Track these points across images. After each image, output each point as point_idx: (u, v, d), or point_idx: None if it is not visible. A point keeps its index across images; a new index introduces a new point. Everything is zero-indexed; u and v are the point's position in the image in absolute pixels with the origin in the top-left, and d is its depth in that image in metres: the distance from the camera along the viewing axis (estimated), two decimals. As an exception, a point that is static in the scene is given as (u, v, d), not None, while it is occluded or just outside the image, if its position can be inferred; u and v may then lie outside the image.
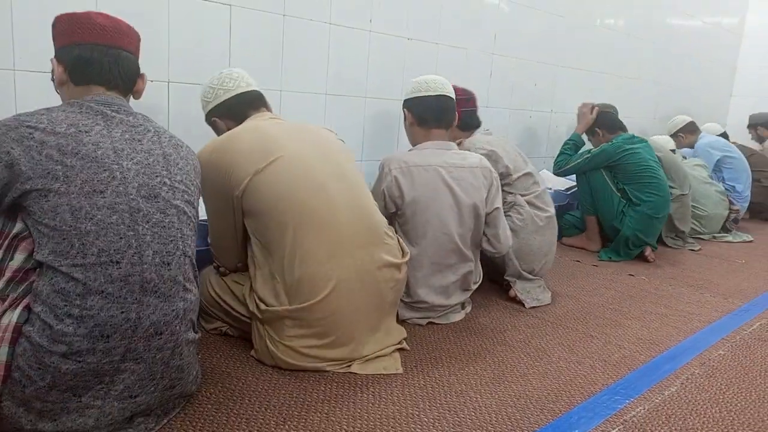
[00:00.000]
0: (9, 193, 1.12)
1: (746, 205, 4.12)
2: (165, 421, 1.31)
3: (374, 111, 2.72)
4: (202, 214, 1.93)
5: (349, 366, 1.64)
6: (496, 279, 2.41)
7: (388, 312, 1.76)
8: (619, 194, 3.04)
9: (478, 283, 2.17)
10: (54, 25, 1.31)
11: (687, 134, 4.20)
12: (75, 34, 1.27)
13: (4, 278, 1.14)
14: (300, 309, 1.55)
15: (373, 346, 1.68)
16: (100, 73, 1.28)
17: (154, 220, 1.20)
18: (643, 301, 2.45)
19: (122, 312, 1.13)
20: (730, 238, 3.83)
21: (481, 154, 2.17)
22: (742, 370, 1.82)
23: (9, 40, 1.70)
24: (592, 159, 3.04)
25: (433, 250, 1.97)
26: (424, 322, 2.01)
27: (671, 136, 4.16)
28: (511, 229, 2.22)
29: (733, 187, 4.02)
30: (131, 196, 1.18)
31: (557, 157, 3.21)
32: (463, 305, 2.14)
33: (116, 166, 1.18)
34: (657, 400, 1.59)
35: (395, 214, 1.98)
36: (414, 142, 2.15)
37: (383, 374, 1.63)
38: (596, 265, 2.97)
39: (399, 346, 1.77)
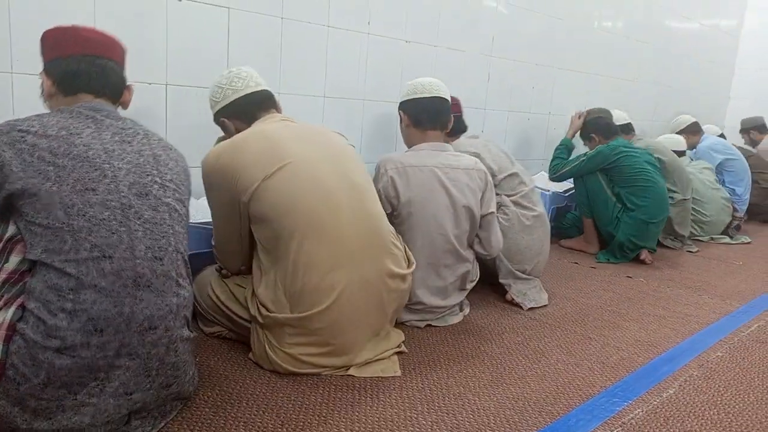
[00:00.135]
0: (0, 194, 1.14)
1: (745, 207, 4.13)
2: (162, 424, 1.31)
3: (372, 113, 2.72)
4: (206, 217, 1.95)
5: (347, 369, 1.63)
6: (493, 282, 2.41)
7: (389, 320, 1.76)
8: (614, 198, 3.04)
9: (474, 282, 2.17)
10: (42, 41, 1.36)
11: (689, 135, 4.18)
12: (62, 47, 1.33)
13: None
14: (301, 318, 1.54)
15: (372, 352, 1.68)
16: (88, 83, 1.33)
17: (145, 216, 1.22)
18: (641, 302, 2.45)
19: (115, 306, 1.14)
20: (728, 239, 3.83)
21: None
22: (740, 372, 1.82)
23: (7, 43, 1.70)
24: (589, 161, 3.04)
25: (429, 251, 1.97)
26: (422, 324, 2.01)
27: None
28: None
29: (733, 190, 4.02)
30: (122, 193, 1.20)
31: (551, 162, 3.21)
32: (461, 307, 2.15)
33: (107, 166, 1.20)
34: (655, 402, 1.59)
35: (391, 214, 1.98)
36: (410, 144, 2.16)
37: (381, 377, 1.63)
38: (594, 267, 2.97)
39: (397, 349, 1.77)
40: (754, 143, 4.81)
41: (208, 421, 1.36)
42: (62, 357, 1.09)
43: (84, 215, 1.14)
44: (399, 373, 1.66)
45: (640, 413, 1.53)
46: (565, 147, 3.21)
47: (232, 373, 1.60)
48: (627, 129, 3.55)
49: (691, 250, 3.49)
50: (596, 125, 3.20)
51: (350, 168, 1.68)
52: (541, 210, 2.41)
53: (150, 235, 1.21)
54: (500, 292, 2.37)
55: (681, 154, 3.86)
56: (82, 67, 1.32)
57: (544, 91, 3.70)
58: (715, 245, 3.72)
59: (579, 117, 3.27)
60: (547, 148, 3.80)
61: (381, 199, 1.94)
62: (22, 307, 1.12)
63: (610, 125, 3.21)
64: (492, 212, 2.09)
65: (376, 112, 2.73)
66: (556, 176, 3.16)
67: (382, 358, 1.69)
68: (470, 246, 2.11)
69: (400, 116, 2.16)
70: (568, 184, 3.37)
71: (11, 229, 1.15)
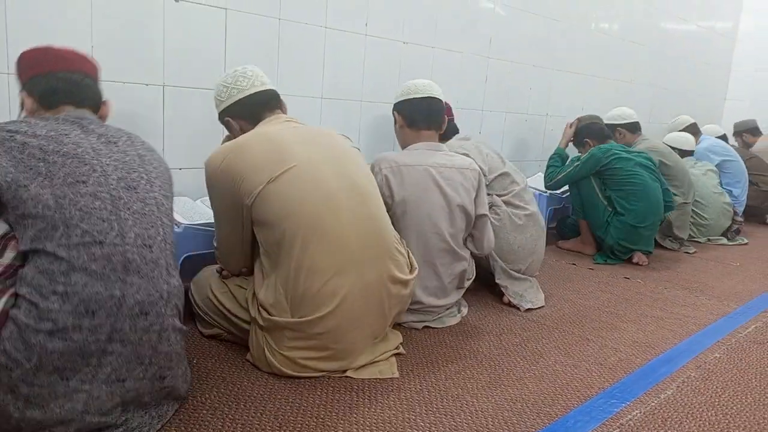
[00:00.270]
0: None
1: (742, 209, 4.14)
2: (160, 426, 1.31)
3: (370, 115, 2.72)
4: (203, 219, 1.94)
5: (345, 371, 1.63)
6: (490, 284, 2.41)
7: (389, 324, 1.75)
8: (605, 202, 3.04)
9: (471, 279, 2.17)
10: (18, 62, 1.42)
11: None
12: (39, 65, 1.39)
13: None
14: (302, 322, 1.53)
15: (370, 355, 1.68)
16: (69, 95, 1.38)
17: (134, 208, 1.25)
18: (639, 304, 2.46)
19: (106, 289, 1.15)
20: (725, 241, 3.84)
21: None
22: (737, 373, 1.82)
23: (3, 43, 1.70)
24: (583, 166, 3.03)
25: (424, 250, 1.97)
26: (420, 326, 2.01)
27: None
28: None
29: (731, 191, 4.03)
30: (112, 186, 1.24)
31: (546, 170, 3.21)
32: (459, 309, 2.14)
33: (96, 162, 1.24)
34: (653, 404, 1.59)
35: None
36: (404, 145, 2.16)
37: (379, 379, 1.63)
38: (592, 269, 2.98)
39: (395, 351, 1.76)
40: (747, 146, 4.82)
41: (206, 423, 1.35)
42: (54, 340, 1.10)
43: (75, 205, 1.17)
44: (397, 375, 1.66)
45: (638, 414, 1.53)
46: (559, 156, 3.22)
47: (230, 375, 1.59)
48: (633, 128, 3.52)
49: (688, 251, 3.50)
50: (589, 130, 3.22)
51: (353, 170, 1.67)
52: (534, 209, 2.41)
53: (139, 224, 1.24)
54: (498, 293, 2.37)
55: (689, 153, 3.85)
56: (61, 81, 1.38)
57: (542, 93, 3.70)
58: (713, 246, 3.73)
59: (570, 126, 3.31)
60: (544, 150, 3.81)
61: None
62: (15, 296, 1.14)
63: (603, 129, 3.25)
64: (485, 214, 2.10)
65: (374, 113, 2.73)
66: (551, 184, 3.15)
67: (380, 360, 1.69)
68: (465, 244, 2.11)
69: (395, 117, 2.17)
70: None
71: (3, 227, 1.17)
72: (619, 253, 3.07)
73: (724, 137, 4.48)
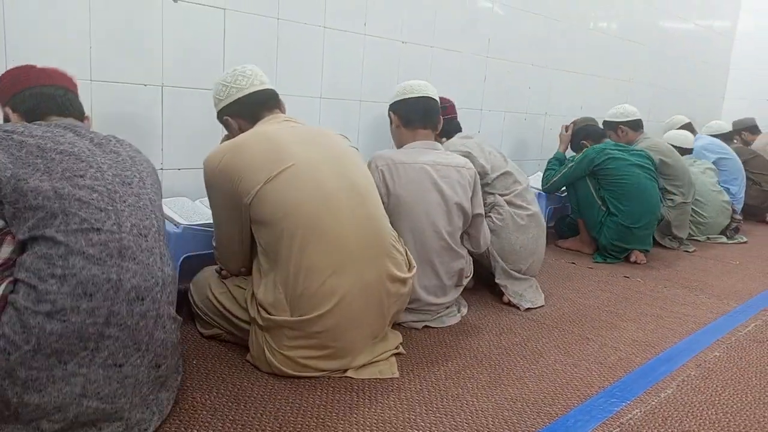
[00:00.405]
0: None
1: (740, 206, 4.14)
2: (159, 422, 1.31)
3: (369, 114, 2.72)
4: (202, 219, 1.94)
5: (345, 371, 1.63)
6: (490, 283, 2.41)
7: (388, 323, 1.75)
8: (599, 203, 3.04)
9: (469, 277, 2.17)
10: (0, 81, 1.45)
11: None
12: (22, 82, 1.42)
13: None
14: (301, 321, 1.53)
15: (370, 354, 1.67)
16: (54, 107, 1.42)
17: (129, 201, 1.29)
18: (639, 302, 2.46)
19: (103, 273, 1.17)
20: (724, 239, 3.84)
21: None
22: (737, 372, 1.82)
23: (1, 42, 1.70)
24: (577, 166, 3.03)
25: (421, 248, 1.97)
26: (419, 325, 2.01)
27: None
28: (492, 230, 2.25)
29: (728, 189, 4.03)
30: (108, 181, 1.28)
31: (544, 173, 3.22)
32: (458, 308, 2.14)
33: (92, 159, 1.29)
34: (653, 403, 1.59)
35: None
36: (400, 145, 2.16)
37: (379, 379, 1.63)
38: (591, 268, 2.98)
39: (395, 351, 1.76)
40: (746, 144, 4.83)
41: (206, 424, 1.35)
42: (52, 321, 1.11)
43: (74, 195, 1.20)
44: (397, 375, 1.65)
45: (639, 413, 1.53)
46: (558, 160, 3.22)
47: (230, 376, 1.59)
48: (635, 125, 3.51)
49: (688, 250, 3.50)
50: (585, 131, 3.24)
51: (352, 170, 1.67)
52: (535, 209, 2.40)
53: (135, 215, 1.28)
54: (497, 293, 2.37)
55: (688, 151, 3.86)
56: (45, 96, 1.41)
57: (541, 92, 3.70)
58: (712, 245, 3.73)
59: (566, 130, 3.32)
60: (543, 149, 3.81)
61: None
62: (14, 282, 1.15)
63: (598, 130, 3.28)
64: (480, 213, 2.10)
65: (373, 113, 2.73)
66: (548, 187, 3.17)
67: (380, 360, 1.69)
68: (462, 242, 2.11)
69: (390, 118, 2.18)
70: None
71: (1, 222, 1.19)
72: (614, 253, 3.07)
73: (730, 134, 4.47)
